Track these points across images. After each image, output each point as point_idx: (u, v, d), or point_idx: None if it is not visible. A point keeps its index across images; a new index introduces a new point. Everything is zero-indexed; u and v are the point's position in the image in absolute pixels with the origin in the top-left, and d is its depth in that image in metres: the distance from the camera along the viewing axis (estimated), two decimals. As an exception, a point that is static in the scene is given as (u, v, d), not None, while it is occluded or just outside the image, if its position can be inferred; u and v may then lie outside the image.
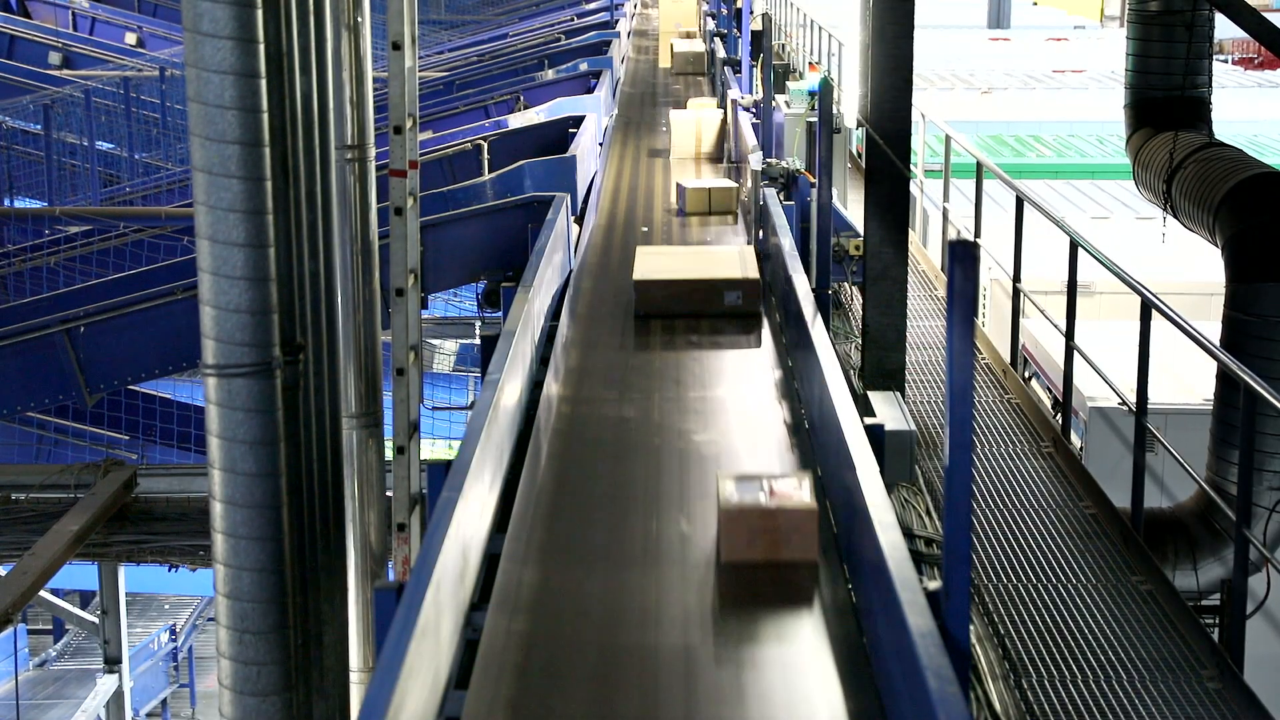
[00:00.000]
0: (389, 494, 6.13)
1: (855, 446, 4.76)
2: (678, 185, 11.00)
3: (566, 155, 10.65)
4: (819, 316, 6.47)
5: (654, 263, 8.42)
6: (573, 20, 24.17)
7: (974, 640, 6.06)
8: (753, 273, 8.05)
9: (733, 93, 14.19)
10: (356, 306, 5.99)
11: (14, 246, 11.85)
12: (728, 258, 8.51)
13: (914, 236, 12.93)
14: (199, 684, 17.98)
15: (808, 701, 4.16)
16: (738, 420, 6.50)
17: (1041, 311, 10.08)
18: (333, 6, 5.45)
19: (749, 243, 9.64)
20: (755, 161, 10.23)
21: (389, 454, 6.18)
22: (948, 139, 13.51)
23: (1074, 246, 8.72)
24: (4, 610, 7.03)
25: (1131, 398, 7.83)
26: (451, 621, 4.25)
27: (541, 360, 7.01)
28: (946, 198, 13.25)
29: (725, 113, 13.64)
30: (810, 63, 23.38)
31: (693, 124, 13.41)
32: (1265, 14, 10.05)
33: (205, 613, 17.85)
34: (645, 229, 10.29)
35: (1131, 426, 8.05)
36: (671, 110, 14.62)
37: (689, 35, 23.19)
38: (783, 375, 7.02)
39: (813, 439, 6.02)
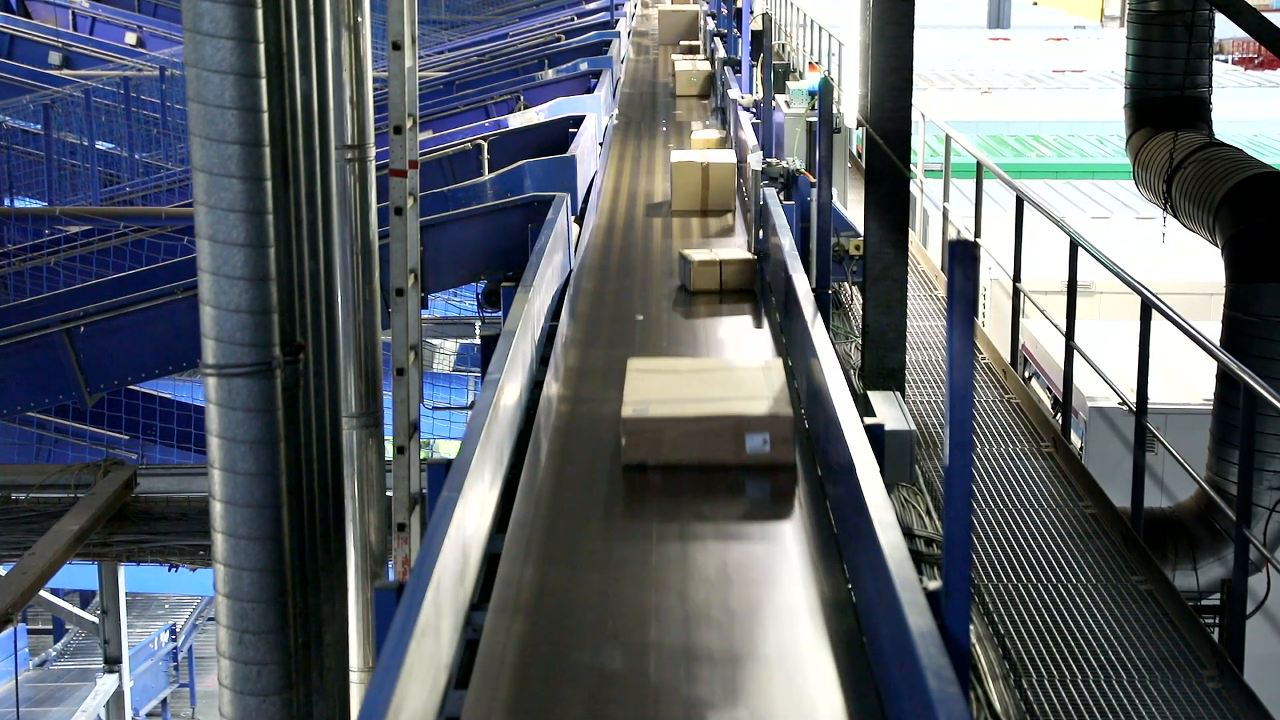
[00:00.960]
0: (389, 494, 6.13)
1: (855, 446, 4.76)
2: (680, 258, 8.87)
3: (566, 155, 10.65)
4: (819, 316, 6.47)
5: (649, 386, 6.19)
6: (573, 20, 24.16)
7: (974, 640, 6.06)
8: (784, 407, 5.86)
9: (733, 92, 14.20)
10: (356, 306, 5.99)
11: (14, 246, 11.85)
12: (750, 381, 6.22)
13: (914, 236, 12.93)
14: (199, 684, 17.99)
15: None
16: (776, 684, 4.27)
17: (1041, 311, 10.08)
18: (333, 6, 5.45)
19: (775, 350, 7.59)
20: (755, 161, 10.22)
21: (389, 454, 6.19)
22: (948, 139, 13.51)
23: (1074, 246, 8.72)
24: (4, 610, 7.03)
25: (1131, 398, 7.83)
26: (451, 621, 4.26)
27: (541, 360, 7.00)
28: (946, 198, 13.26)
29: (735, 149, 11.79)
30: (810, 63, 23.36)
31: (697, 169, 11.07)
32: (1265, 14, 10.05)
33: (205, 613, 17.86)
34: (640, 317, 8.19)
35: (1131, 426, 8.06)
36: (672, 151, 12.34)
37: (691, 50, 21.15)
38: (836, 586, 4.82)
39: (813, 439, 6.02)
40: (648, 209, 11.31)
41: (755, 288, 8.58)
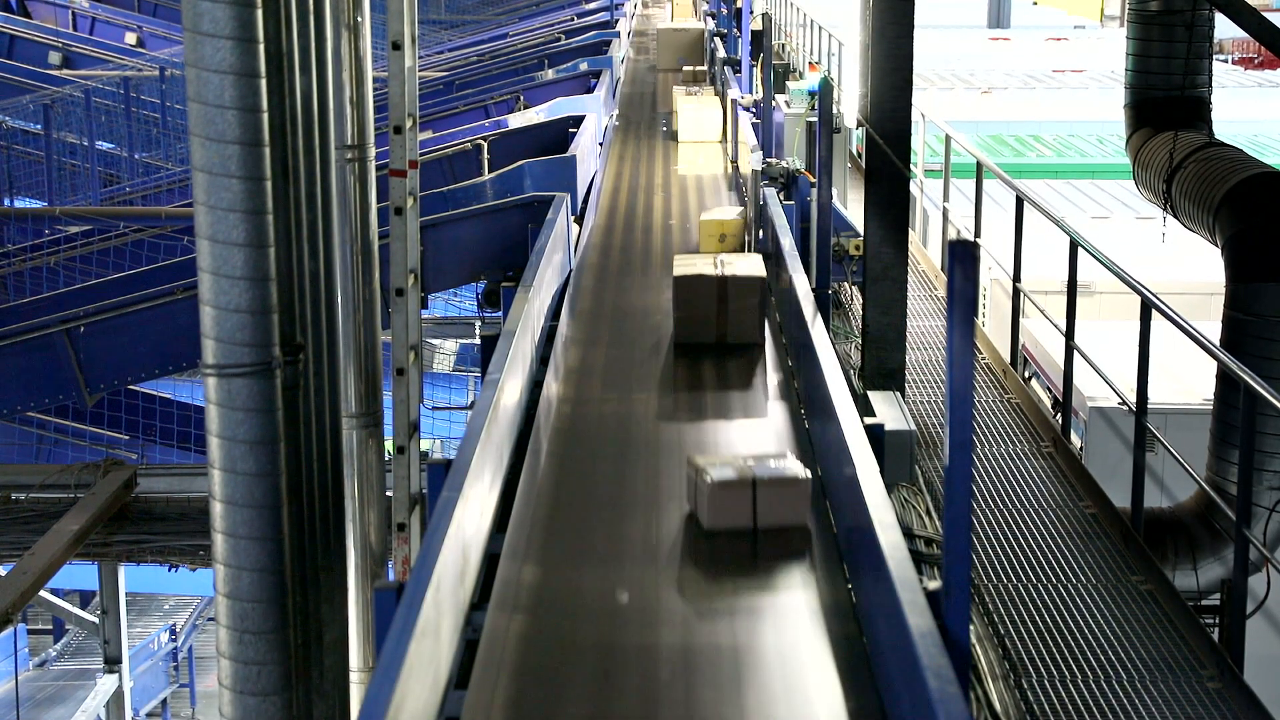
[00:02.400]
0: (389, 494, 6.13)
1: (855, 446, 4.76)
2: (689, 471, 5.39)
3: (566, 155, 10.65)
4: (819, 316, 6.47)
5: None
6: (573, 20, 24.16)
7: (974, 640, 6.06)
8: None
9: (733, 93, 14.19)
10: (356, 306, 5.99)
11: (14, 246, 11.85)
12: None
13: (914, 236, 12.93)
14: (199, 684, 18.00)
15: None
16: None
17: (1041, 311, 10.08)
18: (333, 6, 5.45)
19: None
20: (755, 161, 10.22)
21: (389, 454, 6.19)
22: (948, 139, 13.51)
23: (1074, 246, 8.72)
24: (4, 610, 7.03)
25: (1131, 398, 7.83)
26: (451, 621, 4.25)
27: (541, 360, 7.01)
28: (946, 198, 13.25)
29: (756, 235, 8.91)
30: (810, 63, 23.35)
31: (711, 286, 7.51)
32: (1265, 14, 10.05)
33: (205, 613, 17.86)
34: (624, 597, 4.84)
35: (1131, 426, 8.05)
36: (675, 257, 8.23)
37: (696, 80, 17.14)
38: None
39: (813, 439, 6.02)
40: (642, 350, 7.72)
41: (809, 521, 5.21)
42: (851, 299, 11.25)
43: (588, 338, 7.84)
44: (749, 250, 9.36)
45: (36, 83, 20.02)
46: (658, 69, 19.98)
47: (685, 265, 7.82)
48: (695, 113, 14.54)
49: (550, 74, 17.52)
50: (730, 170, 12.82)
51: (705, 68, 18.48)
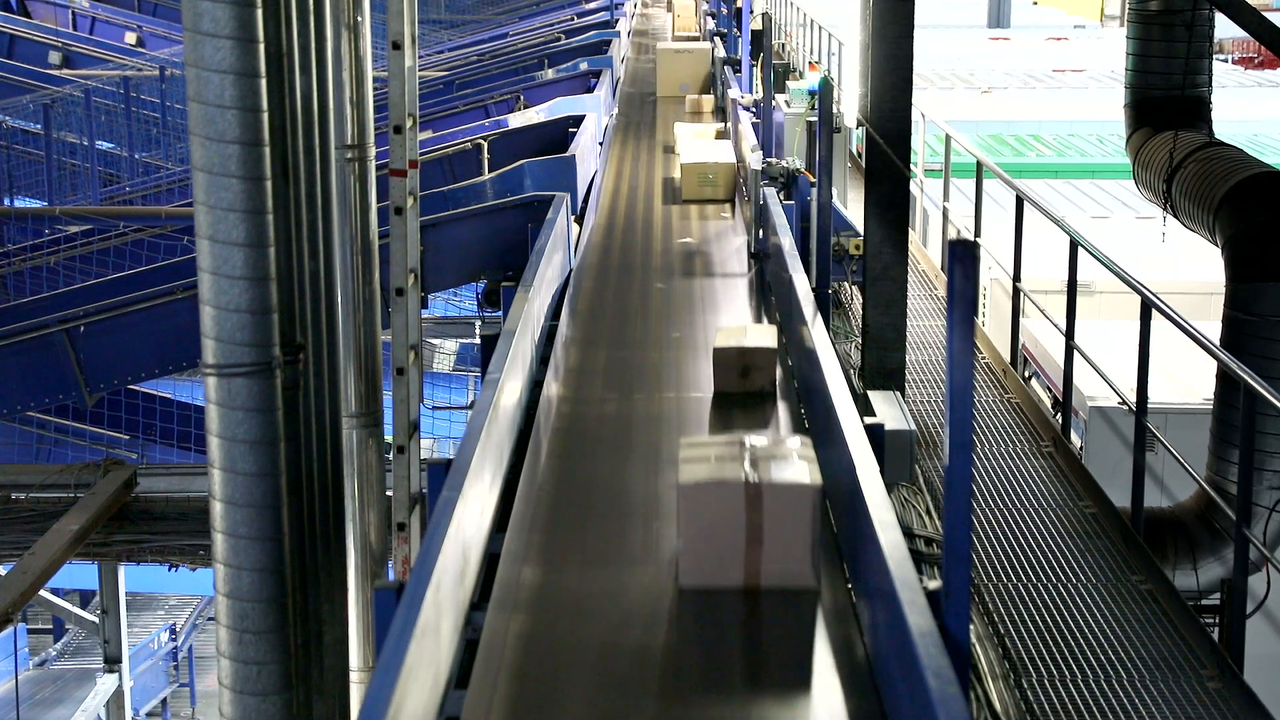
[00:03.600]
0: (389, 494, 6.13)
1: (855, 446, 4.76)
2: None
3: (566, 155, 10.65)
4: (819, 316, 6.47)
5: None
6: (573, 20, 24.17)
7: (974, 640, 6.06)
8: None
9: (733, 92, 14.19)
10: (356, 306, 5.99)
11: (14, 246, 11.85)
12: None
13: (914, 236, 12.93)
14: (199, 684, 18.00)
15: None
16: None
17: (1041, 311, 10.08)
18: (333, 6, 5.45)
19: None
20: (755, 161, 10.21)
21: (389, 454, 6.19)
22: (948, 139, 13.51)
23: (1074, 246, 8.72)
24: (4, 610, 7.03)
25: (1131, 398, 7.83)
26: (451, 621, 4.25)
27: (541, 360, 7.00)
28: (946, 198, 13.25)
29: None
30: (810, 62, 23.34)
31: (736, 499, 4.69)
32: (1265, 14, 10.05)
33: (205, 613, 17.87)
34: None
35: (1131, 426, 8.05)
36: (682, 444, 5.26)
37: (698, 114, 15.45)
38: None
39: (813, 439, 6.01)
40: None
41: None
42: (851, 299, 11.25)
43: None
44: (778, 356, 6.93)
45: (36, 83, 20.04)
46: (657, 94, 17.79)
47: (695, 459, 4.97)
48: (702, 165, 11.60)
49: (550, 74, 17.52)
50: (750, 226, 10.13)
51: (712, 96, 16.47)
